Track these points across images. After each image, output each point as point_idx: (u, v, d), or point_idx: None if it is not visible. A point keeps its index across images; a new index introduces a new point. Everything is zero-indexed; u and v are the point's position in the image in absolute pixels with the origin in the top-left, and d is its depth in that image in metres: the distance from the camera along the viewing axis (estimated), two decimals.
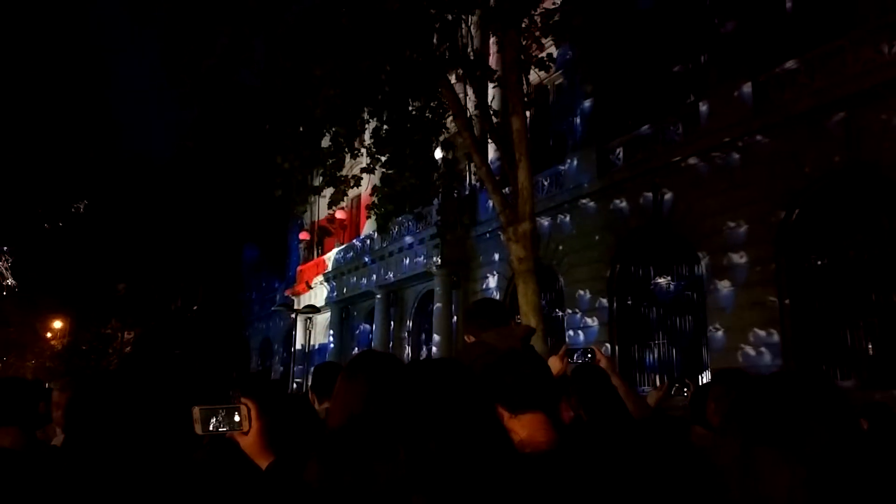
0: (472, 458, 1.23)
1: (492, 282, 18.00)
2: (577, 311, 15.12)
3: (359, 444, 1.73)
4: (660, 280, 13.80)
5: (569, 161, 15.98)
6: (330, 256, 25.33)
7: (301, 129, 12.18)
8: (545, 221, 15.80)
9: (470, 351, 2.95)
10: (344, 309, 25.33)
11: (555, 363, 3.07)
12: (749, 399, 1.18)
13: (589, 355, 3.31)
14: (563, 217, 15.88)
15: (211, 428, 1.75)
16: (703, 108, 12.87)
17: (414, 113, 12.62)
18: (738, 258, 11.81)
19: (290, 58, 11.60)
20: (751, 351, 11.47)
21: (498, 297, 17.65)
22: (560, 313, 15.71)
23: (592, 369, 3.36)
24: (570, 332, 15.09)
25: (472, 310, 3.27)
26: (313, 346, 27.01)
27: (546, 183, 16.29)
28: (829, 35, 10.92)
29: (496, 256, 17.59)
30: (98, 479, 1.94)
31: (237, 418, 1.77)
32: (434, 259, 18.89)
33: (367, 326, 23.90)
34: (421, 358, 20.51)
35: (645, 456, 2.84)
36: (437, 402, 1.27)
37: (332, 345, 24.92)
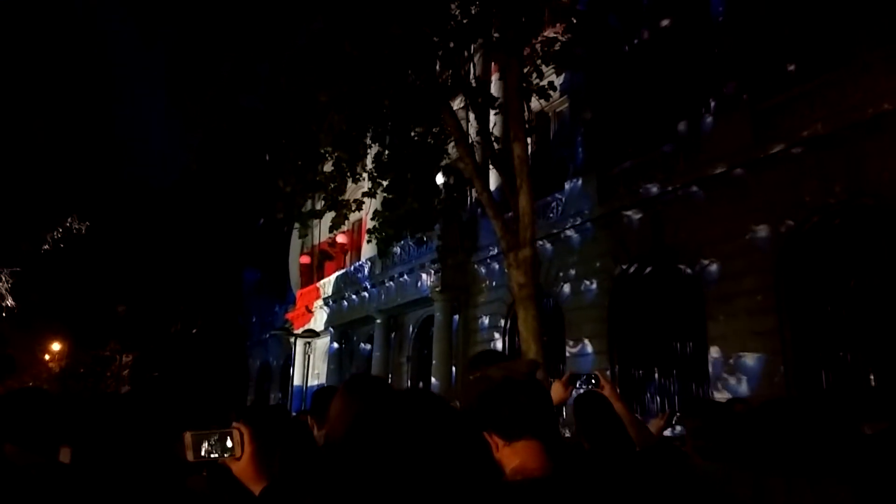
0: (460, 492, 1.21)
1: (492, 308, 17.93)
2: (578, 337, 15.04)
3: (350, 477, 1.69)
4: (660, 308, 13.74)
5: (570, 188, 16.03)
6: (329, 280, 25.30)
7: (303, 153, 12.25)
8: (546, 248, 15.80)
9: (473, 386, 2.94)
10: (343, 333, 25.23)
11: (558, 390, 3.04)
12: (756, 429, 1.16)
13: (593, 381, 3.27)
14: (563, 244, 15.88)
15: (203, 453, 1.71)
16: (704, 136, 12.93)
17: (416, 138, 12.70)
18: (739, 287, 11.77)
19: (295, 84, 11.72)
20: (752, 380, 11.38)
21: (498, 324, 17.60)
22: (560, 339, 15.61)
23: (595, 397, 3.32)
24: (571, 359, 15.00)
25: (473, 358, 3.31)
26: (312, 370, 26.84)
27: (547, 209, 16.32)
28: (829, 65, 11.01)
29: (497, 282, 17.55)
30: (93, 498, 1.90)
31: (229, 443, 1.73)
32: (434, 284, 18.85)
33: (367, 351, 23.78)
34: (419, 384, 20.39)
35: (645, 485, 2.79)
36: (425, 437, 1.25)
37: (331, 369, 24.78)
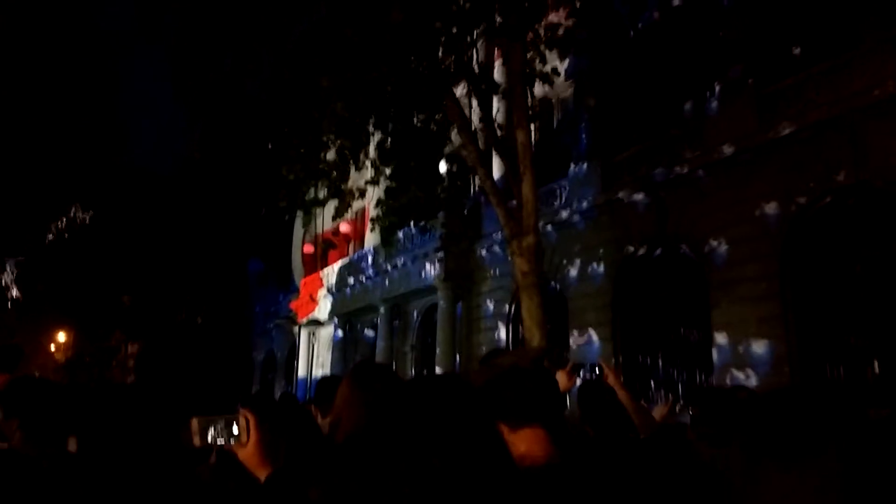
0: (475, 474, 1.20)
1: (496, 295, 17.94)
2: (582, 325, 15.05)
3: (360, 462, 1.70)
4: (665, 295, 13.72)
5: (574, 174, 15.98)
6: (333, 269, 25.32)
7: (306, 141, 12.23)
8: (550, 235, 15.77)
9: (480, 374, 2.96)
10: (348, 322, 25.28)
11: (562, 379, 3.04)
12: (754, 415, 1.15)
13: (597, 370, 3.28)
14: (567, 231, 15.85)
15: (209, 439, 1.73)
16: (709, 121, 12.86)
17: (419, 125, 12.65)
18: (744, 272, 11.75)
19: (297, 71, 11.68)
20: (757, 366, 11.38)
21: (502, 311, 17.61)
22: (564, 327, 15.62)
23: (599, 385, 3.32)
24: (575, 347, 15.02)
25: (486, 354, 3.40)
26: (317, 359, 26.94)
27: (551, 196, 16.28)
28: (835, 50, 10.93)
29: (500, 270, 17.54)
30: (99, 487, 1.91)
31: (235, 430, 1.74)
32: (438, 272, 18.85)
33: (371, 340, 23.84)
34: (423, 372, 20.44)
35: (648, 471, 2.80)
36: (438, 417, 1.25)
37: (335, 358, 24.86)
